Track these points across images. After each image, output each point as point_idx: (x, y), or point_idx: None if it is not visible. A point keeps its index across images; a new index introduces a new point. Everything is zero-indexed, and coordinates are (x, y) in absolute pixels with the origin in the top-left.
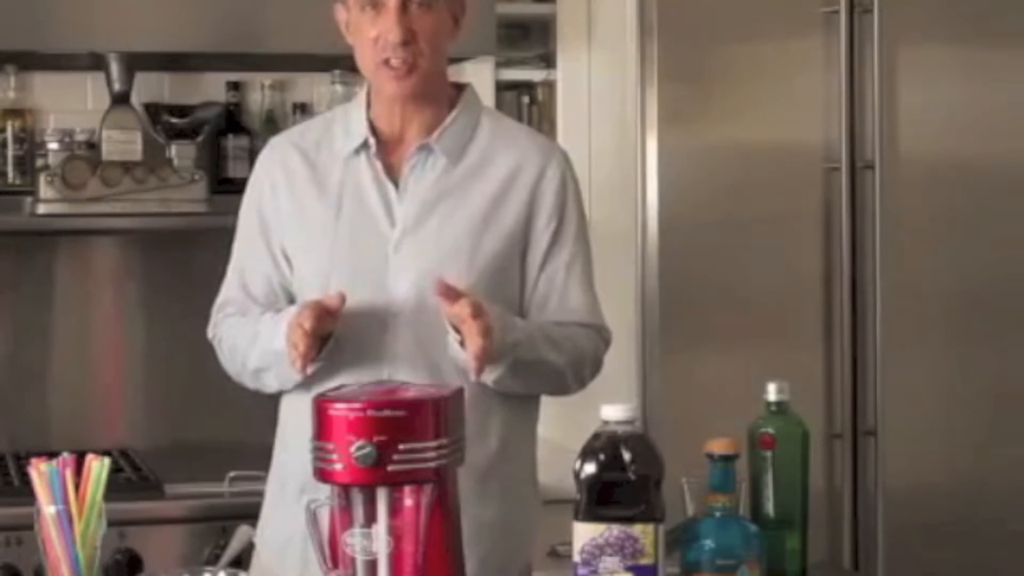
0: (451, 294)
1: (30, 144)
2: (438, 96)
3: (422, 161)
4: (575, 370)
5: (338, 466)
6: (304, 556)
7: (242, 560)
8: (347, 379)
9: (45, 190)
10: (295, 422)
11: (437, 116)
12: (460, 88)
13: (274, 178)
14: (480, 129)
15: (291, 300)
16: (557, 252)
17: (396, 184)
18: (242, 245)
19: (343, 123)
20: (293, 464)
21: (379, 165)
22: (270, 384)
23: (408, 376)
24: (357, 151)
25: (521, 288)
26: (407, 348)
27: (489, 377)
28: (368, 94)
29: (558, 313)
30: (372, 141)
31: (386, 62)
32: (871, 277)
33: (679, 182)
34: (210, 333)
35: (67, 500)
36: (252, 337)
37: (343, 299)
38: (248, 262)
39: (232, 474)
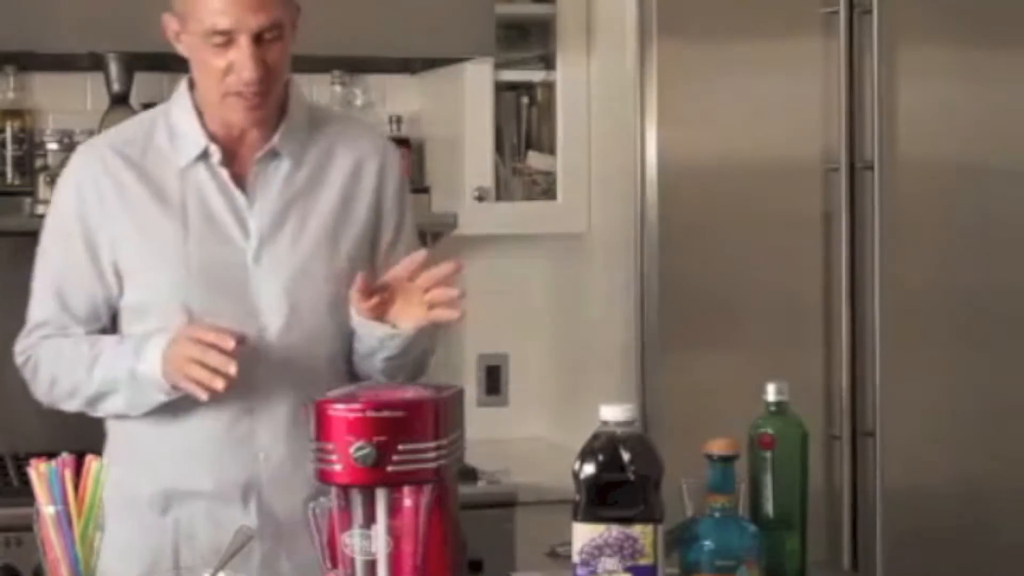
0: (368, 291)
1: (29, 144)
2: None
3: (265, 166)
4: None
5: (337, 467)
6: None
7: None
8: (215, 397)
9: (44, 191)
10: (148, 441)
11: (273, 117)
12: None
13: (100, 188)
14: (313, 126)
15: (115, 319)
16: (400, 240)
17: (243, 192)
18: (58, 260)
19: (166, 130)
20: (147, 483)
21: (225, 174)
22: (110, 408)
23: (281, 384)
24: (195, 160)
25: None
26: (280, 356)
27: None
28: (193, 98)
29: None
30: (214, 149)
31: (237, 94)
32: (870, 277)
33: (678, 183)
34: (20, 358)
35: (66, 500)
36: (90, 360)
37: (242, 339)
38: (67, 279)
39: None
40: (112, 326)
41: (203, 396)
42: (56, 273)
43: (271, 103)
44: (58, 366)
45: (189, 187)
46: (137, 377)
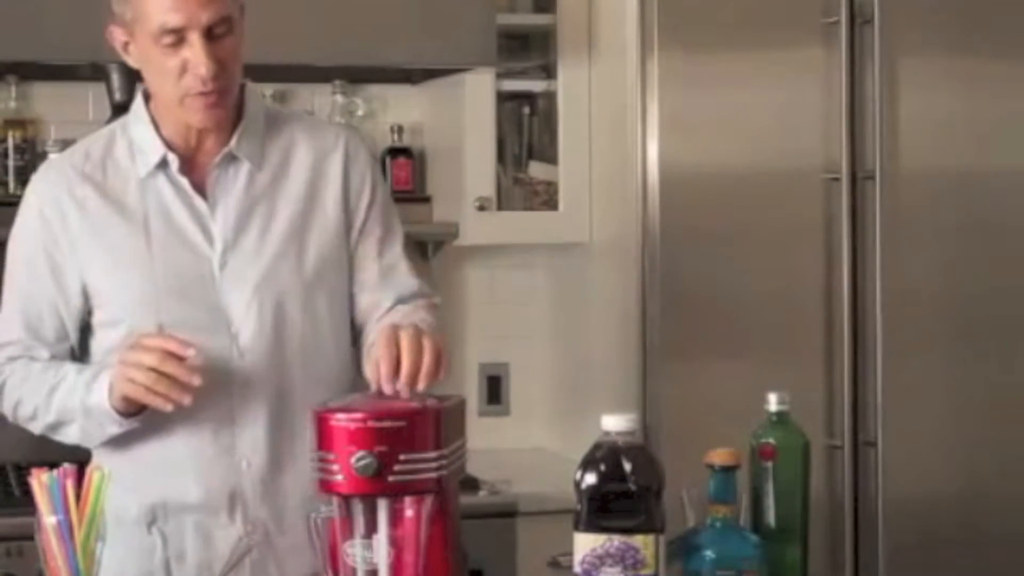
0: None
1: (31, 154)
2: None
3: (225, 171)
4: None
5: (339, 476)
6: None
7: None
8: (194, 408)
9: None
10: (131, 458)
11: (229, 120)
12: (240, 87)
13: (62, 208)
14: (271, 127)
15: (83, 339)
16: (372, 228)
17: (203, 199)
18: (22, 281)
19: (124, 142)
20: (134, 501)
21: (185, 182)
22: (69, 436)
23: (258, 389)
24: (155, 170)
25: (350, 271)
26: (254, 360)
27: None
28: (148, 108)
29: (390, 290)
30: (172, 158)
31: (197, 94)
32: (872, 287)
33: (680, 193)
34: None
35: (67, 510)
36: (49, 389)
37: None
38: (33, 300)
39: None
40: (81, 342)
41: (167, 407)
42: (21, 296)
43: (229, 102)
44: (22, 390)
45: (150, 198)
46: (89, 409)
